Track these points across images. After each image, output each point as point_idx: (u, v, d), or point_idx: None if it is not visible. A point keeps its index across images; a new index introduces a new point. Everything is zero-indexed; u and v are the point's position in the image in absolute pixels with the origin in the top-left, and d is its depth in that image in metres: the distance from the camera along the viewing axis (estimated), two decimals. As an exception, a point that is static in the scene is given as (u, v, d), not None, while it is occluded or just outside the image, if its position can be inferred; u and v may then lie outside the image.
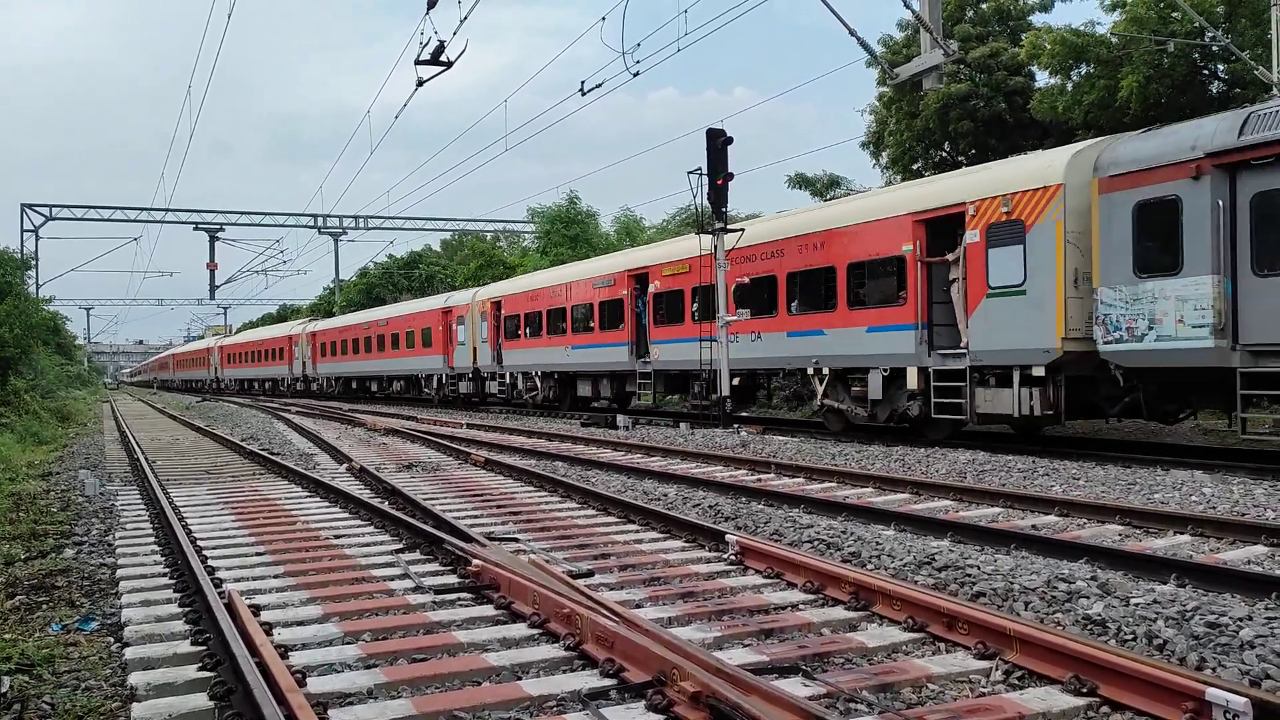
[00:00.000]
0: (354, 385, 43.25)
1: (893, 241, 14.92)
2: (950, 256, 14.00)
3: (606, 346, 23.35)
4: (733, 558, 6.94)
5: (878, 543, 7.21)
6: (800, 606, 5.79)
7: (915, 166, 27.79)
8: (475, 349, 30.09)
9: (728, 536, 7.18)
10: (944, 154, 27.41)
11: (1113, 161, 11.93)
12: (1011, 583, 5.87)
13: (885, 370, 15.08)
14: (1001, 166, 14.30)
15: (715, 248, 19.33)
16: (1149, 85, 19.89)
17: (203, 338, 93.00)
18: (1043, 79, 23.93)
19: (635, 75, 18.49)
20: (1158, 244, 11.44)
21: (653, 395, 21.98)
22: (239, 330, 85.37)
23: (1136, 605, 5.28)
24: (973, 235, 13.53)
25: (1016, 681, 4.49)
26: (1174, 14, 19.91)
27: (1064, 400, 12.67)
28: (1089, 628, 5.13)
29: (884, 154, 27.59)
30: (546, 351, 26.24)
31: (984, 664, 4.67)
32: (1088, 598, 5.50)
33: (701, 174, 19.69)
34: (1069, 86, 21.89)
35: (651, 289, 21.64)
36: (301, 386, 49.72)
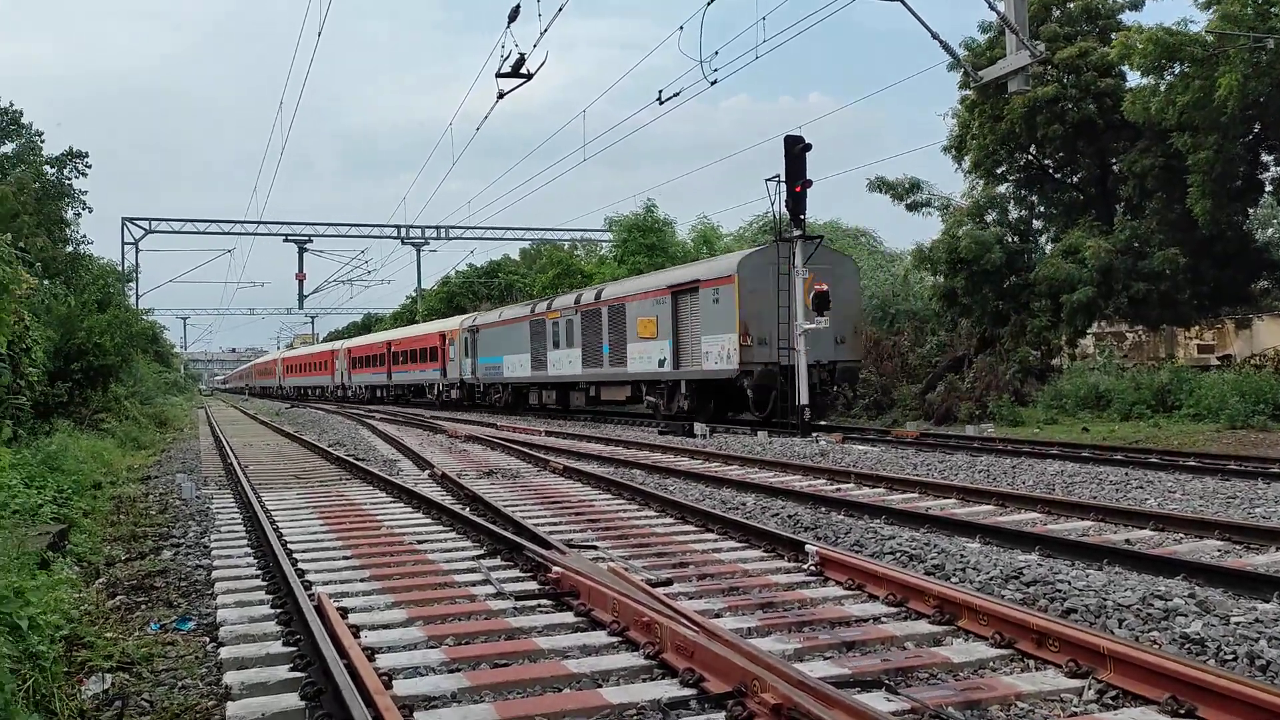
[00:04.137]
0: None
1: (435, 340, 40.35)
2: (445, 346, 39.18)
3: (379, 374, 49.44)
4: (813, 568, 6.87)
5: (962, 555, 7.06)
6: (883, 619, 5.70)
7: (999, 170, 27.19)
8: (343, 373, 56.56)
9: (807, 547, 7.11)
10: (1029, 157, 26.77)
11: (469, 323, 36.88)
12: (1105, 599, 5.69)
13: (437, 384, 40.67)
14: (446, 320, 42.89)
15: (792, 255, 19.21)
16: (1248, 84, 19.14)
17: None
18: (1134, 79, 23.22)
19: (713, 84, 18.52)
20: (486, 348, 34.70)
21: (394, 397, 48.32)
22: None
23: (1237, 624, 5.08)
24: (446, 341, 39.11)
25: (1110, 701, 4.35)
26: (1272, 9, 19.15)
27: (470, 395, 37.39)
28: (1187, 647, 4.94)
29: (966, 158, 27.06)
30: (366, 376, 52.18)
31: (1076, 683, 4.53)
32: (1185, 616, 5.31)
33: (780, 181, 19.60)
34: (1162, 87, 21.18)
35: (392, 349, 47.11)
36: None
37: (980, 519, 8.76)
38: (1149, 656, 4.38)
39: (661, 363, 22.81)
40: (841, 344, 20.89)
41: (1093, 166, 26.05)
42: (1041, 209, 28.22)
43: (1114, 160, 25.33)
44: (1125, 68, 22.96)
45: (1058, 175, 27.43)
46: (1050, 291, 23.27)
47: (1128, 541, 7.80)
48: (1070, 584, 6.07)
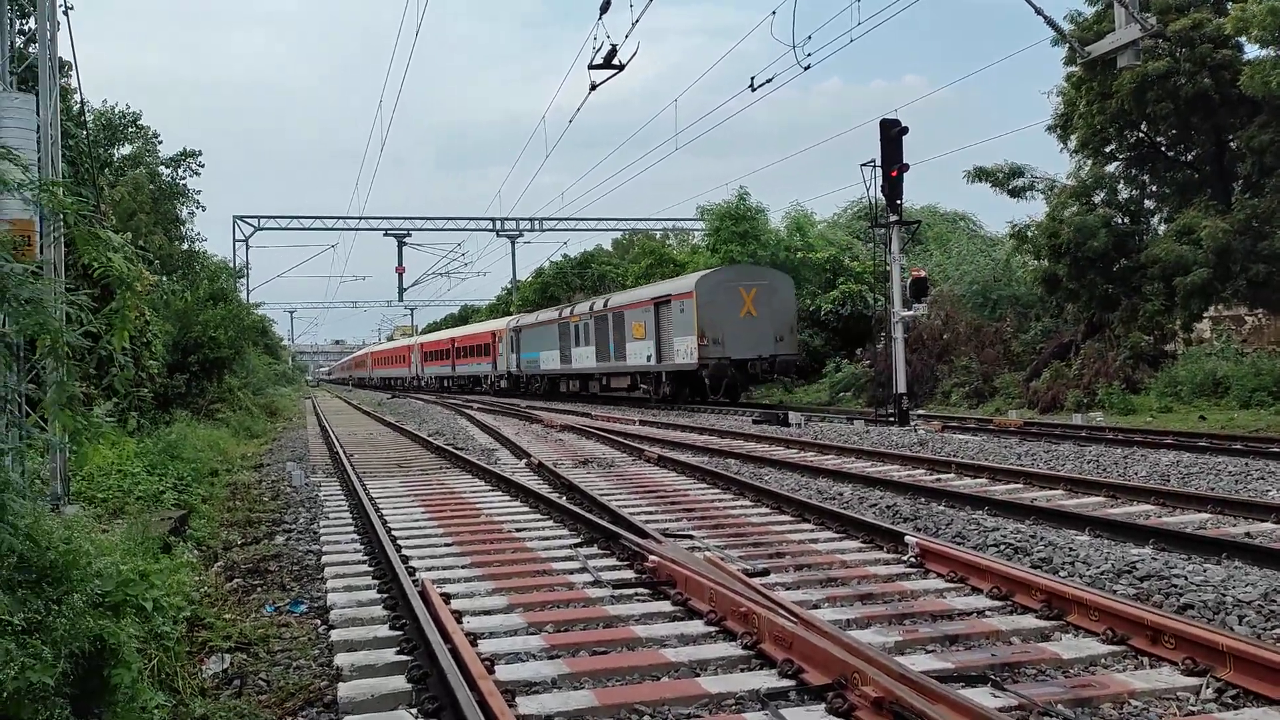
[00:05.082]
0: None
1: (487, 338, 47.35)
2: (495, 343, 45.19)
3: (444, 366, 56.18)
4: (912, 560, 6.75)
5: (1070, 549, 6.85)
6: (987, 613, 5.58)
7: (1108, 149, 26.16)
8: (417, 365, 64.32)
9: (907, 538, 7.00)
10: (1140, 135, 25.67)
11: (513, 324, 43.27)
12: (1223, 595, 5.46)
13: (489, 375, 46.91)
14: (495, 321, 49.98)
15: (889, 240, 18.87)
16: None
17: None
18: (1252, 51, 22.01)
19: (806, 69, 18.26)
20: (526, 345, 40.85)
21: (458, 387, 53.71)
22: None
23: (1372, 624, 4.82)
24: (496, 339, 45.55)
25: (1230, 701, 4.18)
26: None
27: (516, 385, 43.19)
28: (1315, 647, 4.70)
29: (1072, 137, 26.09)
30: (435, 368, 58.87)
31: (1193, 681, 4.36)
32: (1313, 614, 5.06)
33: (875, 165, 19.26)
34: (1283, 58, 20.04)
35: (455, 345, 53.02)
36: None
37: (1089, 511, 8.49)
38: (1272, 655, 4.19)
39: (649, 358, 28.62)
40: (781, 341, 25.69)
41: (1208, 143, 24.81)
42: (1153, 188, 27.02)
43: (1231, 136, 24.09)
44: (1242, 39, 21.81)
45: (1170, 153, 26.23)
46: (1163, 274, 22.30)
47: (1248, 535, 7.46)
48: (1187, 579, 5.84)
